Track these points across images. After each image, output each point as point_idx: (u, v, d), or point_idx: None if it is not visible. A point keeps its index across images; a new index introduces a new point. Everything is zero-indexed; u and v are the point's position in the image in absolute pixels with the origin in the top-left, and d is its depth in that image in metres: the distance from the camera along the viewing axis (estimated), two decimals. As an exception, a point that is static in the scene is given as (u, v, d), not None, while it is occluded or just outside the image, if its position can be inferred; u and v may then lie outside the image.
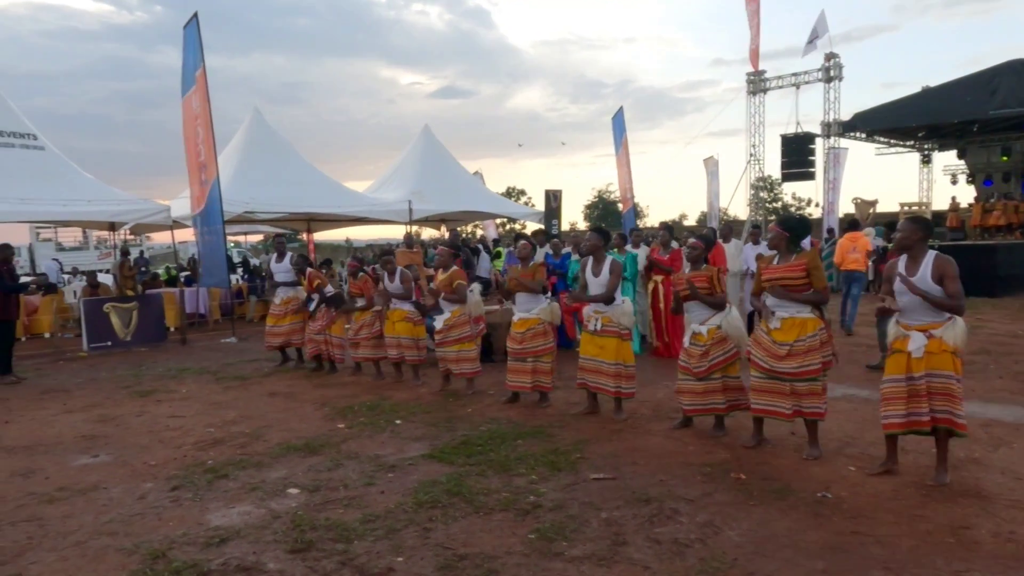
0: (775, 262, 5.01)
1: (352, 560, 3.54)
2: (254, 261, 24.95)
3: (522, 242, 7.16)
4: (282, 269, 9.10)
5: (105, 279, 13.96)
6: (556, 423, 5.95)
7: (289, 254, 9.25)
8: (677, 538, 3.69)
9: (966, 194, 24.87)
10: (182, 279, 14.55)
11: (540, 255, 10.05)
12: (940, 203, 25.25)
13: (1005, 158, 22.73)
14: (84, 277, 19.13)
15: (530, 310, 6.48)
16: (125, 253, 14.08)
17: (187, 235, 15.81)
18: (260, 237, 35.17)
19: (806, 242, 6.93)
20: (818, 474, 4.57)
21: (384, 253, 8.42)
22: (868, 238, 10.99)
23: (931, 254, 4.37)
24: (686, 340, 5.56)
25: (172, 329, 12.29)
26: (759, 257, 5.68)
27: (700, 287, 5.41)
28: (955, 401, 4.25)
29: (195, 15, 10.92)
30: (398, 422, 6.17)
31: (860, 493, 4.23)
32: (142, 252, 25.42)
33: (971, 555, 3.42)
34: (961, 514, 3.90)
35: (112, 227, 15.35)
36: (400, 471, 4.87)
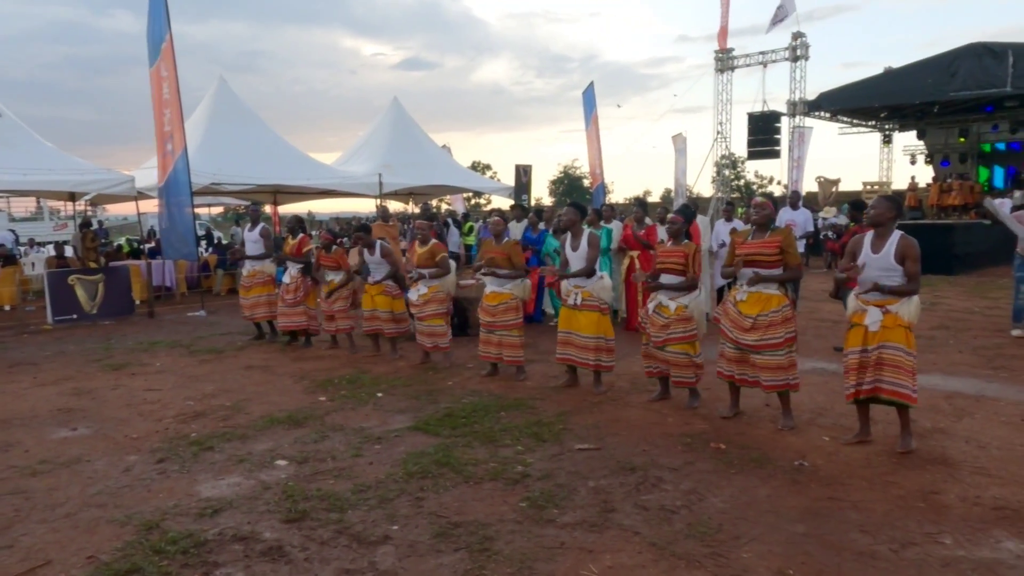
0: (750, 238, 5.13)
1: (348, 529, 3.59)
2: (217, 234, 24.54)
3: (495, 218, 7.19)
4: (252, 238, 8.91)
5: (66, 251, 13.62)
6: (537, 396, 6.04)
7: (262, 224, 9.08)
8: (664, 505, 3.82)
9: (924, 174, 25.52)
10: (146, 251, 14.27)
11: (517, 230, 10.11)
12: (899, 182, 25.88)
13: (962, 139, 23.37)
14: (41, 249, 18.66)
15: (503, 285, 6.55)
16: (86, 224, 13.75)
17: (149, 206, 15.50)
18: (221, 209, 34.52)
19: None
20: (794, 443, 4.74)
21: (360, 228, 8.35)
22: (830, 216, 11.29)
23: (897, 234, 4.53)
24: (650, 306, 5.67)
25: (139, 302, 12.07)
26: (733, 231, 5.82)
27: (674, 264, 5.51)
28: (905, 374, 4.43)
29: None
30: (380, 395, 6.20)
31: (835, 461, 4.41)
32: (101, 223, 24.82)
33: (941, 518, 3.61)
34: (930, 480, 4.09)
35: (72, 197, 14.97)
36: (386, 443, 4.92)
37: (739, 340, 5.03)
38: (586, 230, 6.27)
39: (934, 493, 3.91)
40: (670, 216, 5.84)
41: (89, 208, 22.24)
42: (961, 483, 4.05)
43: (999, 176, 23.82)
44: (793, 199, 11.02)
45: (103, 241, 16.69)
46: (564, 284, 6.28)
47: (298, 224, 8.84)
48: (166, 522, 3.71)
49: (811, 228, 10.39)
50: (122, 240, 20.69)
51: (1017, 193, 20.76)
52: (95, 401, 6.26)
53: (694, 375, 5.54)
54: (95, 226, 18.63)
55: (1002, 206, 19.07)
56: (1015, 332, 8.32)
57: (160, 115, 11.09)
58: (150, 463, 4.63)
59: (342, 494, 4.02)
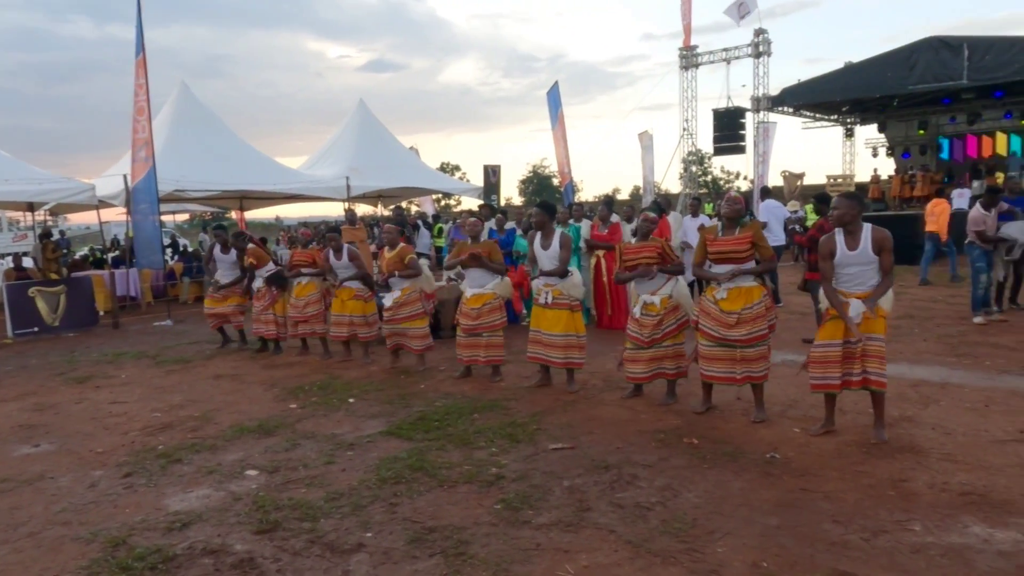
0: (720, 234, 5.17)
1: (321, 538, 3.54)
2: (183, 241, 24.15)
3: (472, 219, 7.15)
4: (228, 260, 8.79)
5: (25, 262, 13.29)
6: (511, 396, 6.02)
7: (233, 249, 8.95)
8: (639, 502, 3.82)
9: (886, 166, 25.99)
10: (110, 261, 13.99)
11: (484, 231, 10.07)
12: (863, 175, 26.30)
13: (922, 132, 23.82)
14: (0, 261, 18.19)
15: (484, 285, 6.50)
16: (47, 235, 13.44)
17: (111, 215, 15.21)
18: (187, 216, 34.02)
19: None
20: (766, 436, 4.78)
21: (330, 230, 8.26)
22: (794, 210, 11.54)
23: (868, 227, 4.59)
24: (636, 311, 5.65)
25: (103, 313, 11.82)
26: (702, 228, 5.85)
27: (648, 259, 5.53)
28: (883, 361, 4.55)
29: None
30: (352, 400, 6.14)
31: (806, 452, 4.46)
32: (62, 233, 24.31)
33: (911, 505, 3.66)
34: (899, 468, 4.15)
35: (31, 207, 14.63)
36: (359, 448, 4.87)
37: (726, 337, 5.02)
38: (558, 230, 6.27)
39: (903, 481, 3.97)
40: (644, 216, 5.82)
41: (50, 218, 21.77)
42: (929, 470, 4.11)
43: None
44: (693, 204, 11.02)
45: (64, 252, 16.32)
46: (535, 283, 6.26)
47: (246, 242, 8.79)
48: (133, 538, 3.63)
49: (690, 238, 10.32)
50: (86, 250, 20.28)
51: (975, 183, 21.24)
52: (58, 416, 6.11)
53: (679, 366, 5.59)
54: (56, 236, 18.24)
55: (960, 197, 19.55)
56: (977, 320, 8.50)
57: (136, 121, 10.93)
58: (116, 478, 4.53)
59: (314, 503, 3.96)
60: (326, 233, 8.28)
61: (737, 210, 5.13)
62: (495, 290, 6.48)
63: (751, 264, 5.05)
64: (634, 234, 5.93)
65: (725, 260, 5.07)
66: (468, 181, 34.29)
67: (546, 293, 6.10)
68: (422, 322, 7.18)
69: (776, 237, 10.20)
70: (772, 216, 10.69)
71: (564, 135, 16.92)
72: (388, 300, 7.16)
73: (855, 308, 4.54)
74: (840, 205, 4.65)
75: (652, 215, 5.78)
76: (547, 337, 6.08)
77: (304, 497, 4.05)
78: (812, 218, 14.10)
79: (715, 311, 5.10)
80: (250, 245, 8.41)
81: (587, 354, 6.22)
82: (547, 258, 6.11)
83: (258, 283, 8.46)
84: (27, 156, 13.45)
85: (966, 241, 8.61)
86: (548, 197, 43.18)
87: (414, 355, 7.26)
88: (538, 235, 6.24)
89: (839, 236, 4.65)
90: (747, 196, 5.95)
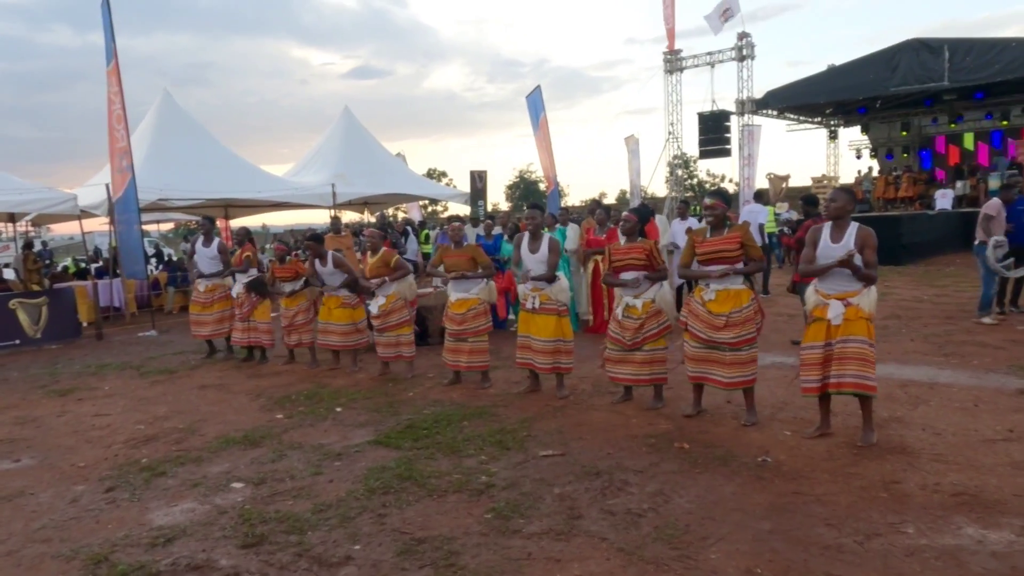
0: (708, 235, 5.15)
1: (308, 551, 3.48)
2: (167, 251, 23.95)
3: (455, 223, 7.11)
4: (208, 255, 8.65)
5: (6, 274, 13.13)
6: (500, 403, 5.98)
7: (217, 240, 8.84)
8: (630, 508, 3.78)
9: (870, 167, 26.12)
10: (93, 271, 13.82)
11: (471, 236, 10.04)
12: (847, 176, 26.47)
13: (904, 133, 24.02)
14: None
15: (468, 290, 6.47)
16: (29, 246, 13.27)
17: (94, 225, 15.04)
18: (171, 225, 33.77)
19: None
20: (757, 439, 4.76)
21: (311, 237, 8.12)
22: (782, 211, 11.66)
23: (854, 225, 4.60)
24: (619, 311, 5.62)
25: (86, 324, 11.68)
26: (690, 231, 5.83)
27: (635, 260, 5.50)
28: (868, 365, 4.49)
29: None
30: (339, 409, 6.07)
31: (797, 455, 4.44)
32: (44, 244, 24.05)
33: (903, 507, 3.64)
34: (890, 469, 4.13)
35: (12, 218, 14.46)
36: (347, 458, 4.80)
37: (714, 339, 5.00)
38: (546, 234, 6.23)
39: (895, 482, 3.95)
40: (624, 214, 5.82)
41: (32, 228, 21.54)
42: (920, 471, 4.10)
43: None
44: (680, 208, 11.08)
45: (46, 263, 16.12)
46: (522, 288, 6.22)
47: (245, 235, 8.66)
48: (115, 554, 3.55)
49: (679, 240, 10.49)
50: (68, 260, 20.06)
51: (959, 184, 21.41)
52: (40, 430, 6.00)
53: (662, 371, 5.56)
54: (38, 247, 18.03)
55: (943, 198, 19.70)
56: (985, 320, 8.44)
57: (112, 129, 10.83)
58: (98, 492, 4.44)
59: (301, 515, 3.89)
60: (305, 241, 8.16)
61: (719, 215, 5.10)
62: (480, 295, 6.46)
63: (742, 264, 5.03)
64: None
65: (715, 260, 5.04)
66: (455, 187, 34.22)
67: (533, 298, 6.06)
68: (408, 329, 7.14)
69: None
70: (752, 220, 10.88)
71: (548, 139, 16.86)
72: (374, 307, 7.10)
73: (834, 309, 4.53)
74: (837, 197, 4.67)
75: (630, 214, 5.71)
76: (535, 342, 6.05)
77: (291, 509, 3.99)
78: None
79: (703, 312, 5.08)
80: (289, 258, 8.21)
81: (577, 359, 6.19)
82: (535, 262, 6.07)
83: (238, 288, 8.33)
84: (8, 166, 13.33)
85: (976, 241, 8.54)
86: (536, 201, 43.24)
87: (403, 362, 7.20)
88: (526, 238, 6.19)
89: (826, 228, 4.67)
90: (731, 198, 5.91)
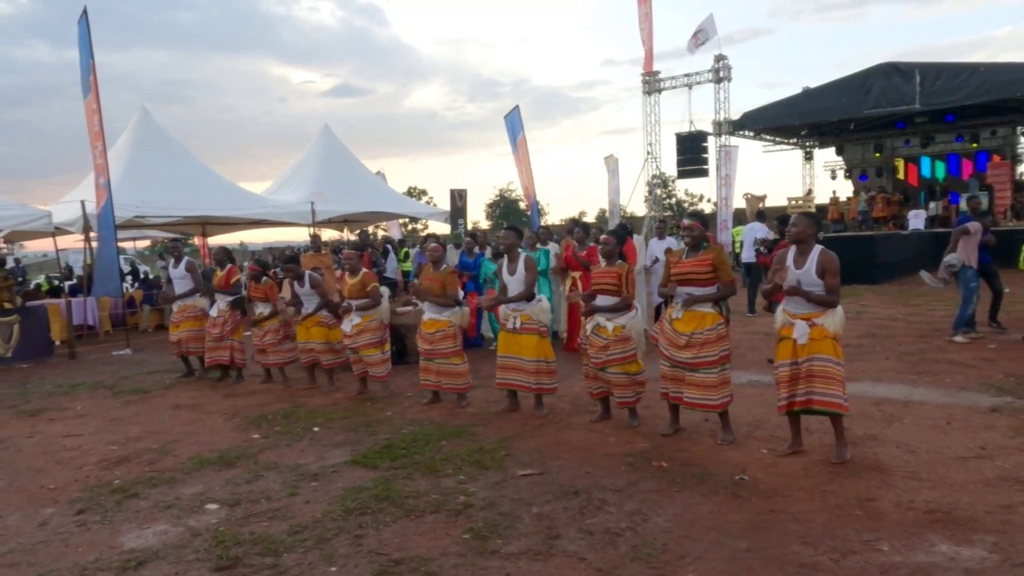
0: (684, 257, 5.18)
1: (283, 573, 3.43)
2: (143, 268, 23.68)
3: (433, 244, 7.12)
4: (177, 275, 8.59)
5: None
6: (478, 422, 5.96)
7: (186, 259, 8.77)
8: (608, 528, 3.78)
9: (844, 188, 26.56)
10: (66, 289, 13.63)
11: (454, 256, 10.05)
12: (822, 197, 26.83)
13: (878, 155, 24.47)
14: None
15: (441, 312, 6.46)
16: (1, 263, 13.04)
17: (68, 242, 14.84)
18: (148, 243, 33.43)
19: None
20: (734, 458, 4.78)
21: (289, 259, 8.06)
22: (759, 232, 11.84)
23: (817, 249, 4.66)
24: (588, 327, 5.63)
25: (58, 343, 11.50)
26: (668, 251, 5.86)
27: (607, 284, 5.52)
28: (835, 383, 4.52)
29: (84, 10, 10.36)
30: (316, 429, 6.01)
31: (773, 473, 4.46)
32: (17, 261, 23.68)
33: (878, 525, 3.67)
34: (865, 487, 4.17)
35: (-16, 235, 14.23)
36: (324, 479, 4.75)
37: (674, 357, 5.07)
38: (522, 253, 6.25)
39: (870, 500, 3.98)
40: (603, 237, 5.81)
41: (4, 245, 21.22)
42: (895, 488, 4.14)
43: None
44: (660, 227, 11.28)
45: (19, 280, 15.85)
46: (502, 308, 6.22)
47: (226, 255, 8.54)
48: (85, 579, 3.48)
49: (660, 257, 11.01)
50: (41, 278, 19.75)
51: (932, 204, 21.80)
52: (8, 450, 5.88)
53: (634, 394, 5.56)
54: (11, 264, 17.73)
55: (916, 218, 20.03)
56: (957, 339, 8.51)
57: (94, 147, 10.74)
58: (68, 515, 4.36)
59: (277, 536, 3.84)
60: (284, 265, 8.11)
61: (696, 237, 5.11)
62: (450, 318, 6.44)
63: (708, 290, 5.00)
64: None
65: (686, 282, 5.06)
66: (435, 205, 34.24)
67: (514, 318, 6.07)
68: (380, 349, 7.07)
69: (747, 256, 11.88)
70: (748, 238, 11.49)
71: (527, 158, 16.84)
72: (347, 326, 7.06)
73: (799, 329, 4.59)
74: (799, 223, 4.75)
75: (609, 236, 5.71)
76: (518, 362, 6.04)
77: (266, 531, 3.93)
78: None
79: (669, 330, 5.13)
80: (264, 279, 8.11)
81: (556, 378, 6.18)
82: (514, 282, 6.09)
83: (221, 306, 8.25)
84: (-22, 182, 13.13)
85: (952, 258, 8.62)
86: (515, 220, 43.35)
87: (378, 382, 7.17)
88: (505, 259, 6.22)
89: (791, 253, 4.75)
90: (707, 218, 5.92)
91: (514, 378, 6.09)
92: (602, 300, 5.58)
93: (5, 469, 5.39)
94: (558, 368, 6.18)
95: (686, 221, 5.26)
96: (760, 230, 12.12)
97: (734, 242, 18.96)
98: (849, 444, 4.72)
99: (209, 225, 16.22)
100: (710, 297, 5.01)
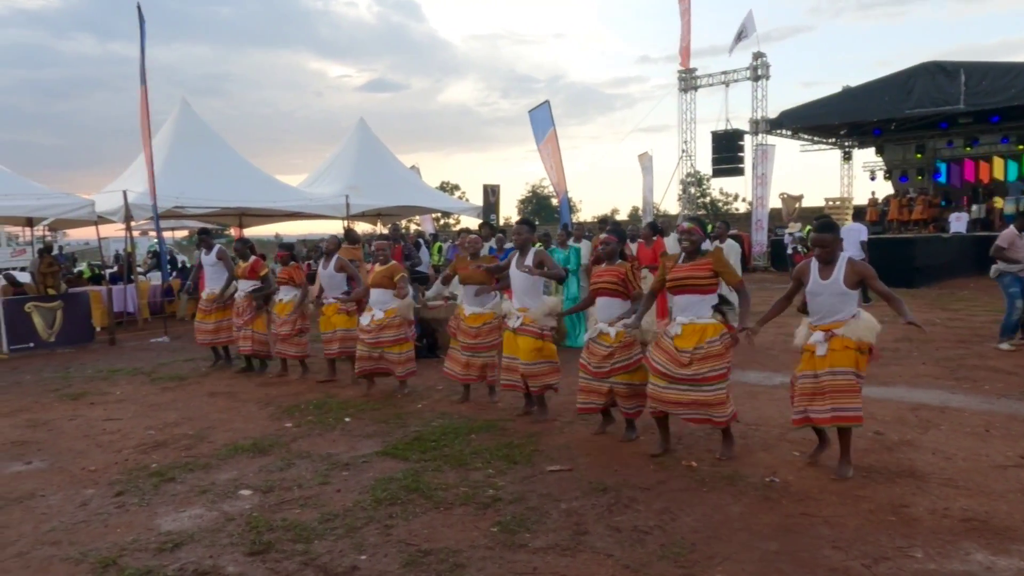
0: (680, 261, 4.88)
1: (314, 560, 3.49)
2: (181, 257, 24.14)
3: (472, 236, 7.09)
4: (209, 262, 8.66)
5: (22, 278, 13.26)
6: (507, 417, 5.98)
7: (217, 246, 8.88)
8: (636, 525, 3.77)
9: (884, 189, 26.06)
10: (107, 276, 13.95)
11: (484, 250, 10.06)
12: (860, 197, 26.38)
13: (919, 155, 23.93)
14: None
15: (484, 304, 6.39)
16: (47, 250, 13.39)
17: (110, 231, 15.21)
18: (185, 233, 34.09)
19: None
20: (765, 460, 4.74)
21: (344, 238, 7.96)
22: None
23: (843, 257, 4.45)
24: (589, 335, 5.36)
25: (99, 329, 11.78)
26: (663, 256, 5.61)
27: (607, 284, 5.24)
28: (849, 395, 4.30)
29: (139, 6, 10.66)
30: (348, 419, 6.09)
31: (805, 476, 4.41)
32: (61, 248, 24.29)
33: (912, 531, 3.62)
34: (899, 493, 4.11)
35: (30, 223, 14.63)
36: (355, 469, 4.82)
37: (677, 375, 4.65)
38: (532, 249, 5.94)
39: (904, 506, 3.92)
40: (603, 236, 5.45)
41: (48, 233, 21.78)
42: (930, 495, 4.07)
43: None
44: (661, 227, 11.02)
45: (69, 267, 16.27)
46: (505, 305, 6.11)
47: (247, 247, 8.60)
48: (123, 558, 3.57)
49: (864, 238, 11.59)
50: (84, 265, 20.24)
51: (975, 207, 21.29)
52: (51, 433, 6.06)
53: (636, 406, 5.21)
54: (56, 251, 18.20)
55: (957, 221, 19.60)
56: (1003, 346, 8.30)
57: (144, 134, 11.05)
58: (108, 496, 4.48)
59: (308, 524, 3.91)
60: (325, 242, 8.27)
61: (695, 242, 4.80)
62: (494, 309, 6.40)
63: (712, 295, 4.73)
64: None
65: (683, 288, 4.76)
66: (467, 200, 34.34)
67: (517, 317, 5.85)
68: (405, 347, 6.95)
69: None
70: (852, 239, 11.06)
71: (558, 153, 16.48)
72: (366, 319, 6.90)
73: (817, 340, 4.43)
74: (821, 242, 4.45)
75: (611, 235, 5.37)
76: (510, 362, 5.91)
77: (298, 518, 4.00)
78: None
79: (669, 346, 4.75)
80: (292, 263, 8.18)
81: (559, 377, 5.93)
82: (519, 278, 5.87)
83: (240, 295, 8.29)
84: (27, 172, 13.46)
85: (996, 267, 8.42)
86: (547, 216, 43.28)
87: (396, 380, 7.05)
88: (518, 253, 5.97)
89: (814, 265, 4.51)
90: (704, 225, 5.62)
91: (516, 379, 5.94)
92: (603, 302, 5.30)
93: (48, 450, 5.55)
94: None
95: (685, 225, 4.95)
96: (861, 231, 11.78)
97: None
98: (884, 449, 4.64)
99: (246, 216, 16.49)
100: (743, 314, 4.67)
